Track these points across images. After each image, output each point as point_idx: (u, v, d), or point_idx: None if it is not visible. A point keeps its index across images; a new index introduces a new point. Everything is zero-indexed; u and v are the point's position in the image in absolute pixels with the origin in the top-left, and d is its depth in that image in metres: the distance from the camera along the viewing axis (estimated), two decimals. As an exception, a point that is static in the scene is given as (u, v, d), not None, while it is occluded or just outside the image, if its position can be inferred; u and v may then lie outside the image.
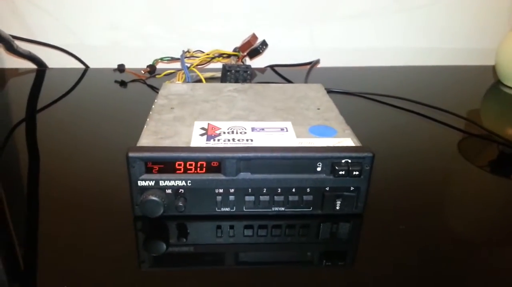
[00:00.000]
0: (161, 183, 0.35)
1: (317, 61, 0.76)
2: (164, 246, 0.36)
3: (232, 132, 0.39)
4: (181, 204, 0.36)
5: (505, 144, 0.54)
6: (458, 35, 0.86)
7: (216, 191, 0.36)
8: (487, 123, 0.60)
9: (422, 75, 0.81)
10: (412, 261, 0.34)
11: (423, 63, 0.85)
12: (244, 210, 0.37)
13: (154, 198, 0.35)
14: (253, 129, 0.40)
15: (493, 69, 0.78)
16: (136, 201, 0.36)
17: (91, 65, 0.78)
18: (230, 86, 0.51)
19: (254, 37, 0.70)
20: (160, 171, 0.35)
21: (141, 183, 0.35)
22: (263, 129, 0.40)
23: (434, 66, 0.84)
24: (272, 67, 0.79)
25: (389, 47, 0.85)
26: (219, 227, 0.37)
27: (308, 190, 0.37)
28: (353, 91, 0.67)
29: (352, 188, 0.37)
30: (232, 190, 0.36)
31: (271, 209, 0.38)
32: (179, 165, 0.35)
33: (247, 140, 0.38)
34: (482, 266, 0.34)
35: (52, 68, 0.78)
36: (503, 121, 0.64)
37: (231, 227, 0.37)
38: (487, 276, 0.33)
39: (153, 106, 0.45)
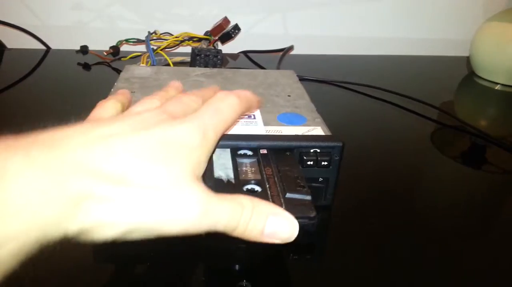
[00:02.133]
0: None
1: (291, 48, 0.74)
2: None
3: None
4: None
5: (479, 135, 0.53)
6: (433, 26, 0.85)
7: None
8: (461, 114, 0.59)
9: (396, 65, 0.80)
10: (381, 255, 0.33)
11: (397, 52, 0.84)
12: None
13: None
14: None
15: (467, 60, 0.78)
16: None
17: (53, 46, 0.74)
18: (198, 71, 0.49)
19: (226, 20, 0.67)
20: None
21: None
22: (230, 116, 0.37)
23: (408, 56, 0.84)
24: (245, 53, 0.77)
25: (364, 36, 0.84)
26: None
27: (275, 180, 0.35)
28: (326, 79, 0.66)
29: (320, 179, 0.35)
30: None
31: (236, 200, 0.36)
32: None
33: (211, 128, 0.35)
34: (454, 257, 0.34)
35: (11, 49, 0.73)
36: (476, 112, 0.64)
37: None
38: (459, 267, 0.33)
39: (112, 89, 0.42)
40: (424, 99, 0.59)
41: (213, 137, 0.25)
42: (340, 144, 0.34)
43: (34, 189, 0.18)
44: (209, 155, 0.25)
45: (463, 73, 0.77)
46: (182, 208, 0.21)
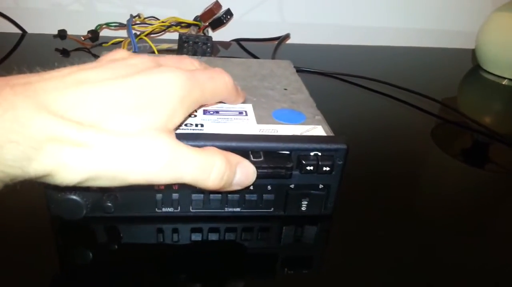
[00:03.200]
0: (84, 178, 0.28)
1: (287, 36, 0.69)
2: (89, 255, 0.29)
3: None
4: (109, 204, 0.29)
5: (484, 132, 0.49)
6: (438, 17, 0.81)
7: (156, 187, 0.29)
8: (465, 109, 0.55)
9: (398, 57, 0.75)
10: (386, 268, 0.29)
11: (400, 43, 0.79)
12: (191, 210, 0.31)
13: (73, 196, 0.27)
14: (205, 112, 0.32)
15: (472, 53, 0.73)
16: (51, 199, 0.28)
17: (29, 30, 0.68)
18: (183, 59, 0.44)
19: (217, 5, 0.62)
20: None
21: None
22: (217, 112, 0.33)
23: (411, 47, 0.79)
24: (237, 41, 0.71)
25: (365, 25, 0.79)
26: (159, 230, 0.31)
27: (269, 187, 0.30)
28: (325, 70, 0.61)
29: (321, 186, 0.31)
30: (175, 186, 0.30)
31: (224, 209, 0.31)
32: (108, 155, 0.28)
33: (196, 125, 0.31)
34: (461, 260, 0.30)
35: (-17, 32, 0.67)
36: (481, 107, 0.60)
37: (175, 230, 0.31)
38: (464, 268, 0.29)
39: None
40: (427, 93, 0.55)
41: (197, 98, 0.26)
42: (344, 147, 0.30)
43: (7, 128, 0.18)
44: (187, 113, 0.25)
45: (468, 66, 0.73)
46: (146, 158, 0.22)
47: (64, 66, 0.25)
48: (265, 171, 0.28)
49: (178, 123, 0.24)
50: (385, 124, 0.51)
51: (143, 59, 0.25)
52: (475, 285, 0.29)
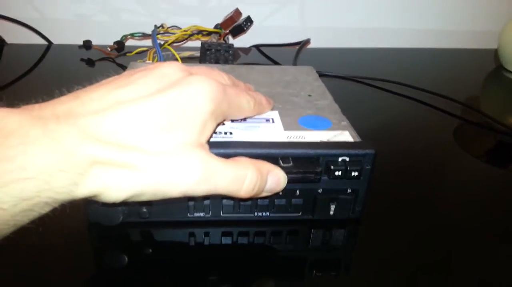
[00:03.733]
0: (120, 185, 0.29)
1: (308, 41, 0.69)
2: (125, 258, 0.30)
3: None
4: (145, 210, 0.30)
5: (506, 132, 0.49)
6: (459, 17, 0.80)
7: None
8: (487, 110, 0.55)
9: (420, 58, 0.75)
10: (413, 272, 0.29)
11: (421, 45, 0.79)
12: (222, 215, 0.32)
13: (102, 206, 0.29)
14: (233, 120, 0.33)
15: (495, 53, 0.73)
16: (89, 206, 0.29)
17: (55, 41, 0.70)
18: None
19: (237, 12, 0.63)
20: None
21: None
22: (245, 120, 0.33)
23: (432, 49, 0.79)
24: (257, 47, 0.72)
25: (386, 27, 0.79)
26: (192, 234, 0.32)
27: (297, 192, 0.31)
28: (347, 74, 0.61)
29: (349, 191, 0.31)
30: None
31: (254, 214, 0.32)
32: (143, 163, 0.29)
33: (225, 133, 0.31)
34: (488, 264, 0.30)
35: (11, 44, 0.70)
36: (504, 108, 0.60)
37: (206, 234, 0.32)
38: (490, 271, 0.29)
39: (115, 90, 0.38)
40: (450, 95, 0.55)
41: (225, 111, 0.27)
42: (372, 152, 0.30)
43: (49, 157, 0.19)
44: (216, 124, 0.26)
45: (491, 66, 0.73)
46: (183, 174, 0.23)
47: (91, 76, 0.27)
48: (295, 175, 0.29)
49: (209, 135, 0.26)
50: (409, 127, 0.51)
51: (175, 69, 0.26)
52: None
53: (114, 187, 0.22)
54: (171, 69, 0.26)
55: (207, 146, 0.25)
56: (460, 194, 0.40)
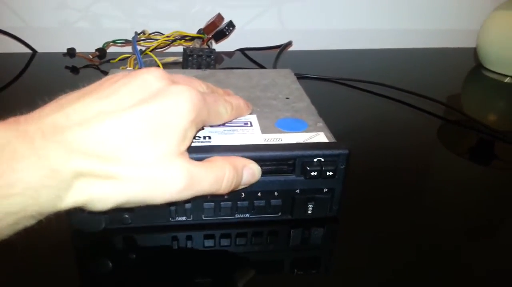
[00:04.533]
0: (101, 192, 0.30)
1: (289, 44, 0.70)
2: (109, 264, 0.30)
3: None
4: (126, 216, 0.30)
5: (487, 131, 0.50)
6: (437, 16, 0.82)
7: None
8: (468, 108, 0.56)
9: (399, 58, 0.76)
10: (393, 268, 0.30)
11: (400, 45, 0.81)
12: (203, 218, 0.32)
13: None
14: (212, 125, 0.34)
15: (474, 52, 0.74)
16: (72, 214, 0.30)
17: (39, 49, 0.71)
18: (188, 73, 0.45)
19: (219, 17, 0.64)
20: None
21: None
22: (223, 124, 0.34)
23: (412, 48, 0.80)
24: (242, 50, 0.73)
25: (365, 29, 0.80)
26: (174, 238, 0.32)
27: (276, 193, 0.32)
28: (327, 76, 0.62)
29: (325, 190, 0.32)
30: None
31: (234, 216, 0.33)
32: (123, 169, 0.30)
33: (204, 138, 0.32)
34: (468, 260, 0.31)
35: (-5, 54, 0.70)
36: (484, 107, 0.61)
37: (189, 237, 0.32)
38: (475, 266, 0.30)
39: (96, 98, 0.39)
40: (429, 94, 0.56)
41: (204, 119, 0.28)
42: (346, 152, 0.31)
43: (35, 174, 0.20)
44: (195, 132, 0.27)
45: (470, 65, 0.74)
46: (167, 183, 0.24)
47: (76, 84, 0.27)
48: (269, 167, 0.31)
49: (189, 143, 0.26)
50: (388, 127, 0.52)
51: (157, 76, 0.26)
52: (479, 284, 0.30)
53: (99, 198, 0.23)
54: (153, 77, 0.26)
55: (187, 154, 0.26)
56: (440, 192, 0.41)
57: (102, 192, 0.22)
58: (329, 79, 0.62)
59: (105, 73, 0.62)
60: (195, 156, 0.30)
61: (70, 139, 0.22)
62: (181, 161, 0.25)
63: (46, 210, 0.21)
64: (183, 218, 0.32)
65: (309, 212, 0.33)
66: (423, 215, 0.37)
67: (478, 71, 0.72)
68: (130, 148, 0.23)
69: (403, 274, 0.30)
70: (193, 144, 0.31)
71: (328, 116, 0.37)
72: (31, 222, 0.21)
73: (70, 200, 0.22)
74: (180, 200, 0.25)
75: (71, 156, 0.21)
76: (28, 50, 0.70)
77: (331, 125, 0.35)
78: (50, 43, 0.69)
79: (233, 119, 0.34)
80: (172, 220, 0.32)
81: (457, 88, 0.66)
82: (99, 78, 0.61)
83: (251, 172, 0.29)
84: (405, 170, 0.43)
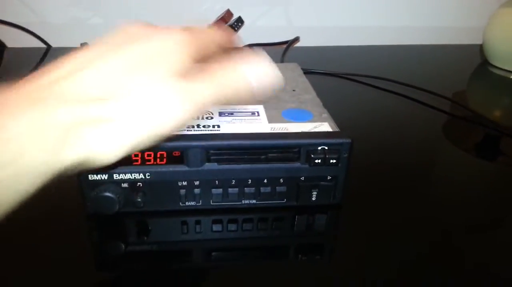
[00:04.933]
0: (116, 177, 0.32)
1: (296, 39, 0.72)
2: (122, 246, 0.32)
3: (197, 117, 0.35)
4: (139, 199, 0.32)
5: (492, 127, 0.51)
6: (444, 13, 0.82)
7: (179, 183, 0.33)
8: (474, 105, 0.57)
9: (405, 55, 0.77)
10: (393, 254, 0.32)
11: (407, 42, 0.81)
12: (212, 203, 0.34)
13: (107, 193, 0.31)
14: (220, 113, 0.36)
15: (480, 48, 0.75)
16: (88, 197, 0.32)
17: (53, 44, 0.73)
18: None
19: (228, 13, 0.65)
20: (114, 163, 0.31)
21: (92, 177, 0.31)
22: (231, 113, 0.36)
23: (418, 45, 0.81)
24: (249, 46, 0.74)
25: (372, 25, 0.81)
26: (184, 223, 0.34)
27: (281, 180, 0.33)
28: (333, 71, 0.63)
29: (329, 177, 0.34)
30: (197, 183, 0.33)
31: (241, 201, 0.34)
32: (136, 155, 0.31)
33: (213, 126, 0.34)
34: (469, 252, 0.32)
35: (11, 48, 0.72)
36: (490, 103, 0.62)
37: (198, 222, 0.34)
38: (474, 260, 0.31)
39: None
40: (435, 90, 0.57)
41: (195, 46, 0.25)
42: (349, 141, 0.32)
43: (29, 120, 0.20)
44: (191, 60, 0.25)
45: (476, 62, 0.75)
46: (168, 108, 0.23)
47: None
48: (275, 155, 0.32)
49: (184, 68, 0.24)
50: (393, 120, 0.53)
51: (139, 28, 0.25)
52: (482, 278, 0.31)
53: (100, 147, 0.21)
54: (136, 28, 0.25)
55: (183, 78, 0.24)
56: (443, 183, 0.42)
57: (104, 138, 0.21)
58: (335, 74, 0.63)
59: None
60: (204, 143, 0.32)
61: (63, 89, 0.21)
62: (175, 80, 0.23)
63: (44, 166, 0.20)
64: (193, 203, 0.34)
65: (313, 198, 0.34)
66: (424, 205, 0.38)
67: (484, 67, 0.72)
68: (123, 81, 0.22)
69: (401, 259, 0.32)
70: (201, 132, 0.33)
71: (333, 109, 0.38)
72: (32, 181, 0.20)
73: (69, 153, 0.21)
74: (193, 117, 0.24)
75: (66, 104, 0.21)
76: (43, 45, 0.72)
77: (336, 118, 0.36)
78: (64, 38, 0.71)
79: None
80: (182, 204, 0.34)
81: (463, 84, 0.67)
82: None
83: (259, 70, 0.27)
84: (409, 162, 0.44)
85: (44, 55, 0.70)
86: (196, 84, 0.24)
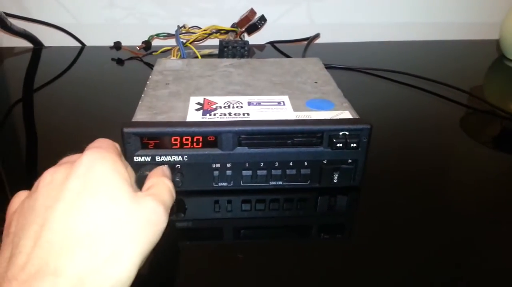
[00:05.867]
0: (157, 159, 0.35)
1: (317, 36, 0.75)
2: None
3: (229, 106, 0.39)
4: (178, 179, 0.35)
5: (509, 119, 0.53)
6: (461, 9, 0.84)
7: (213, 165, 0.36)
8: (491, 98, 0.59)
9: (424, 50, 0.79)
10: (409, 235, 0.34)
11: (424, 38, 0.83)
12: (242, 184, 0.37)
13: (148, 172, 0.34)
14: (249, 103, 0.39)
15: (497, 43, 0.76)
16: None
17: (88, 43, 0.77)
18: (226, 62, 0.51)
19: (252, 12, 0.69)
20: (156, 146, 0.35)
21: (137, 159, 0.35)
22: (259, 103, 0.39)
23: (436, 41, 0.83)
24: (272, 43, 0.78)
25: (391, 22, 0.84)
26: (216, 202, 0.37)
27: (305, 163, 0.37)
28: (353, 66, 0.66)
29: (349, 161, 0.37)
30: (229, 165, 0.36)
31: (269, 183, 0.37)
32: (175, 139, 0.35)
33: (243, 114, 0.37)
34: (482, 239, 0.34)
35: (48, 47, 0.77)
36: (507, 96, 0.63)
37: (229, 201, 0.37)
38: (487, 251, 0.33)
39: (147, 82, 0.44)
40: (453, 84, 0.59)
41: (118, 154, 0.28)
42: (368, 126, 0.35)
43: None
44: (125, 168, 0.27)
45: (493, 56, 0.76)
46: (152, 217, 0.25)
47: (121, 74, 0.29)
48: (300, 139, 0.35)
49: (130, 177, 0.27)
50: (412, 112, 0.56)
51: (55, 172, 0.25)
52: (497, 270, 0.32)
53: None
54: (52, 176, 0.25)
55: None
56: (457, 173, 0.44)
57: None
58: (354, 68, 0.66)
59: (148, 64, 0.67)
60: (236, 129, 0.35)
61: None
62: (143, 195, 0.26)
63: None
64: (225, 184, 0.37)
65: (335, 181, 0.37)
66: (438, 192, 0.40)
67: (501, 61, 0.74)
68: (92, 231, 0.22)
69: (413, 241, 0.34)
70: (233, 119, 0.36)
71: (354, 101, 0.41)
72: None
73: None
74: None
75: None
76: (78, 44, 0.77)
77: (356, 108, 0.39)
78: (98, 37, 0.76)
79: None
80: (215, 185, 0.37)
81: (480, 79, 0.69)
82: (143, 68, 0.66)
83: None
84: (426, 151, 0.46)
85: (79, 53, 0.75)
86: (161, 192, 0.28)
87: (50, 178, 0.25)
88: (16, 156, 0.46)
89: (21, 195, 0.26)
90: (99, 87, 0.62)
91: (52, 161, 0.28)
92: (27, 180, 0.41)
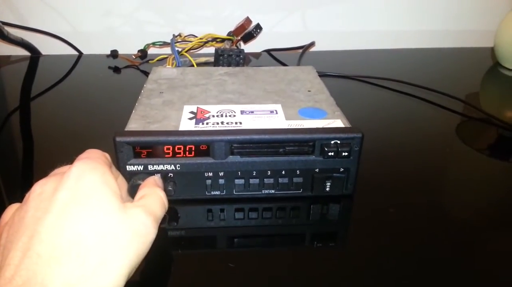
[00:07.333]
0: (150, 167, 0.35)
1: (312, 44, 0.75)
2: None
3: (221, 115, 0.39)
4: (170, 188, 0.36)
5: (504, 127, 0.53)
6: (455, 17, 0.84)
7: (206, 174, 0.36)
8: (486, 106, 0.59)
9: (418, 58, 0.80)
10: (402, 243, 0.35)
11: (419, 45, 0.84)
12: (234, 193, 0.37)
13: (141, 182, 0.35)
14: (242, 112, 0.39)
15: (491, 51, 0.77)
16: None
17: (85, 51, 0.78)
18: (220, 70, 0.51)
19: (248, 20, 0.69)
20: (148, 155, 0.35)
21: (129, 168, 0.35)
22: (252, 112, 0.39)
23: (431, 48, 0.83)
24: (267, 51, 0.78)
25: (386, 30, 0.84)
26: (209, 210, 0.37)
27: (298, 172, 0.37)
28: (347, 74, 0.66)
29: (341, 169, 0.37)
30: (221, 173, 0.36)
31: (261, 191, 0.38)
32: (168, 149, 0.35)
33: (236, 123, 0.37)
34: (477, 247, 0.34)
35: (45, 55, 0.77)
36: (502, 104, 0.64)
37: (222, 210, 0.37)
38: (482, 258, 0.33)
39: (142, 91, 0.45)
40: (448, 92, 0.59)
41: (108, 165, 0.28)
42: (359, 135, 0.35)
43: None
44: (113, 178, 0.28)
45: (488, 64, 0.77)
46: (140, 228, 0.25)
47: (117, 82, 0.29)
48: (292, 148, 0.35)
49: (114, 186, 0.27)
50: (406, 120, 0.56)
51: (45, 184, 0.26)
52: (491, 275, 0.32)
53: None
54: (42, 188, 0.25)
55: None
56: (453, 180, 0.44)
57: None
58: (348, 76, 0.66)
59: (145, 72, 0.68)
60: (228, 138, 0.35)
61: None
62: (132, 206, 0.26)
63: None
64: (217, 192, 0.37)
65: (327, 189, 0.37)
66: (434, 201, 0.40)
67: (496, 69, 0.74)
68: (82, 240, 0.23)
69: (409, 247, 0.34)
70: (225, 128, 0.36)
71: (346, 109, 0.41)
72: None
73: None
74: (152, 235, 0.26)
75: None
76: (75, 52, 0.78)
77: (349, 116, 0.39)
78: (95, 46, 0.76)
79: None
80: (208, 194, 0.37)
81: (475, 86, 0.69)
82: (139, 77, 0.67)
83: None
84: (420, 159, 0.47)
85: (77, 61, 0.75)
86: (151, 203, 0.28)
87: (40, 190, 0.25)
88: (13, 164, 0.47)
89: (14, 207, 0.27)
90: (96, 95, 0.63)
91: (48, 170, 0.28)
92: (24, 189, 0.41)
